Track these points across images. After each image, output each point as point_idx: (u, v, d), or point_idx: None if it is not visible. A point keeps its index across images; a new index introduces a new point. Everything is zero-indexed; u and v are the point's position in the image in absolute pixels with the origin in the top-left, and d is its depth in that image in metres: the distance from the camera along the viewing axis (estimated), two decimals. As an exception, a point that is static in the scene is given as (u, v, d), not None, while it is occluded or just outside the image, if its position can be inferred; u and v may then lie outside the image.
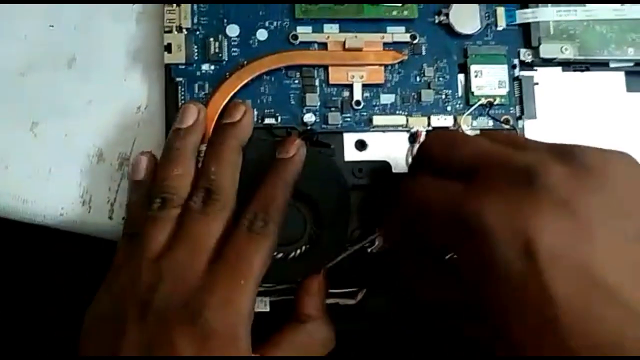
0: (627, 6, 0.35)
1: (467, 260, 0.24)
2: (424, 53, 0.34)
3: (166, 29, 0.32)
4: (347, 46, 0.33)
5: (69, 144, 0.33)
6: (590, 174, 0.23)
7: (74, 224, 0.34)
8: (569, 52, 0.34)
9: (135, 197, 0.31)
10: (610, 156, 0.24)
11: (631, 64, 0.35)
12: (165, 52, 0.32)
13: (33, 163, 0.33)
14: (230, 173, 0.29)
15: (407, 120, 0.33)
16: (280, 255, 0.30)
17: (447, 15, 0.34)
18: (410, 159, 0.33)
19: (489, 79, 0.34)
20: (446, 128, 0.33)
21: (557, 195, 0.22)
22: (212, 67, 0.33)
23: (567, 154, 0.23)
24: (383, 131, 0.33)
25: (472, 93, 0.34)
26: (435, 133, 0.32)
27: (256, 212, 0.28)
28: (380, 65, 0.33)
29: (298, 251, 0.30)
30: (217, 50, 0.33)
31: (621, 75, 0.36)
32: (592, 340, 0.21)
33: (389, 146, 0.33)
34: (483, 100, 0.34)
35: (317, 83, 0.33)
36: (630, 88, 0.36)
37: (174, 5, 0.33)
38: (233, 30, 0.33)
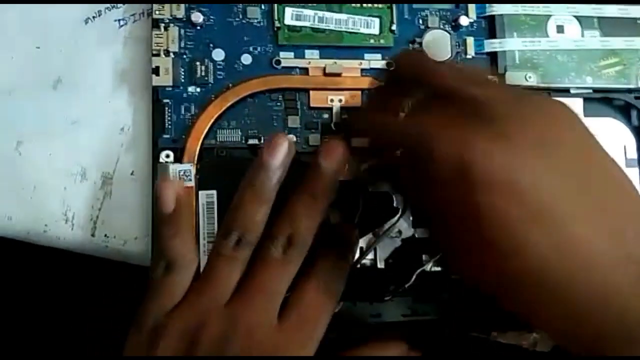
0: (586, 38, 0.37)
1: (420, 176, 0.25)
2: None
3: (154, 52, 0.33)
4: (327, 71, 0.34)
5: (54, 162, 0.34)
6: (530, 121, 0.24)
7: (57, 240, 0.34)
8: (532, 80, 0.36)
9: (165, 229, 0.28)
10: (551, 105, 0.25)
11: (589, 90, 0.38)
12: (153, 75, 0.33)
13: (18, 181, 0.34)
14: (314, 227, 0.28)
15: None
16: None
17: (420, 44, 0.36)
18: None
19: (460, 104, 0.36)
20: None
21: (496, 128, 0.23)
22: (198, 90, 0.34)
23: (516, 99, 0.25)
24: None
25: (444, 117, 0.36)
26: (407, 54, 0.32)
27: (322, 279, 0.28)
28: (358, 89, 0.35)
29: None
30: (203, 73, 0.34)
31: (580, 101, 0.38)
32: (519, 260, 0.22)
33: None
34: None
35: (298, 106, 0.35)
36: (587, 113, 0.38)
37: (162, 29, 0.34)
38: (219, 55, 0.34)
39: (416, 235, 0.34)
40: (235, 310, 0.26)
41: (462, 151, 0.23)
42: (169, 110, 0.33)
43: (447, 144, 0.23)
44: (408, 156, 0.27)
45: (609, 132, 0.38)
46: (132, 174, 0.34)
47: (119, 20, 0.35)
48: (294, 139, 0.34)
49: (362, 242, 0.34)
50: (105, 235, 0.34)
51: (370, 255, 0.34)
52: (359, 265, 0.34)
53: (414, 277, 0.33)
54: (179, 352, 0.26)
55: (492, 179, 0.22)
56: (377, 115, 0.29)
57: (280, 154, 0.28)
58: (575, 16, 0.38)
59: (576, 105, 0.38)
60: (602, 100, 0.38)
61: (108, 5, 0.35)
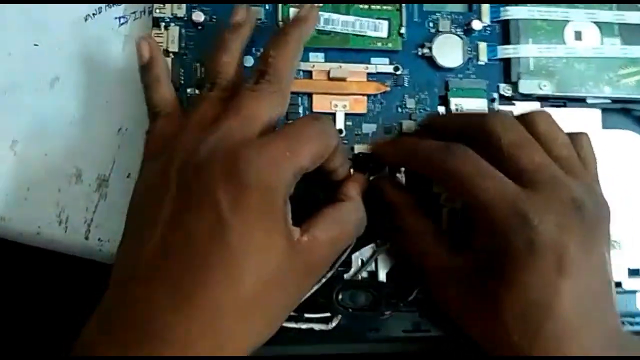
0: (605, 45, 0.36)
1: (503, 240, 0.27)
2: (406, 85, 0.34)
3: (153, 53, 0.32)
4: (331, 76, 0.33)
5: (49, 163, 0.33)
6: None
7: (51, 243, 0.33)
8: (547, 88, 0.35)
9: (146, 79, 0.31)
10: None
11: (607, 101, 0.36)
12: (152, 76, 0.32)
13: (12, 181, 0.33)
14: (287, 59, 0.29)
15: (388, 150, 0.34)
16: None
17: (430, 48, 0.34)
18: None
19: (469, 112, 0.34)
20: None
21: (587, 228, 0.27)
22: (197, 92, 0.33)
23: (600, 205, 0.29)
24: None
25: (453, 125, 0.34)
26: (504, 121, 0.30)
27: None
28: (363, 95, 0.34)
29: None
30: (203, 75, 0.33)
31: (598, 112, 0.36)
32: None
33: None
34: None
35: (300, 110, 0.33)
36: (605, 125, 0.36)
37: (163, 28, 0.33)
38: (219, 56, 0.33)
39: None
40: (207, 129, 0.27)
41: (565, 245, 0.26)
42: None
43: (550, 229, 0.26)
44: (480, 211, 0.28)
45: (628, 145, 0.36)
46: (128, 176, 0.33)
47: (119, 18, 0.34)
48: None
49: (363, 254, 0.33)
50: (99, 239, 0.33)
51: (371, 267, 0.33)
52: (359, 277, 0.32)
53: (416, 292, 0.32)
54: (161, 180, 0.27)
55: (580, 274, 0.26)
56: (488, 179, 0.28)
57: (238, 15, 0.31)
58: (594, 22, 0.36)
59: (593, 116, 0.36)
60: (621, 111, 0.36)
61: (109, 2, 0.34)
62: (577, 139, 0.31)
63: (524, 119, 0.30)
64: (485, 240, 0.28)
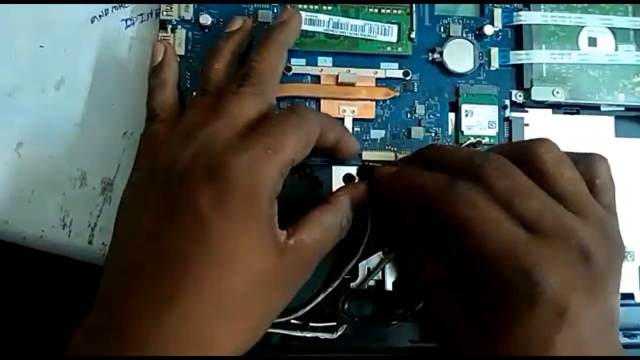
0: (620, 52, 0.35)
1: (501, 288, 0.26)
2: (416, 90, 0.34)
3: (159, 55, 0.32)
4: (339, 81, 0.33)
5: (53, 166, 0.33)
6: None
7: (54, 246, 0.33)
8: (560, 95, 0.34)
9: (152, 80, 0.31)
10: None
11: (622, 108, 0.35)
12: (158, 79, 0.32)
13: (16, 184, 0.33)
14: (269, 61, 0.30)
15: (396, 157, 0.33)
16: None
17: (441, 53, 0.34)
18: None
19: (479, 119, 0.34)
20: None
21: (595, 279, 0.26)
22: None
23: (613, 253, 0.27)
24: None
25: (462, 132, 0.34)
26: (495, 168, 0.27)
27: None
28: (372, 100, 0.33)
29: None
30: (209, 79, 0.32)
31: (611, 119, 0.36)
32: None
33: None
34: (472, 140, 0.33)
35: (308, 115, 0.33)
36: (618, 133, 0.36)
37: (169, 31, 0.32)
38: (226, 60, 0.33)
39: None
40: (191, 135, 0.27)
41: (567, 297, 0.25)
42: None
43: (553, 285, 0.25)
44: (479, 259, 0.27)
45: (641, 154, 0.36)
46: (133, 180, 0.33)
47: (125, 20, 0.34)
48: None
49: (370, 262, 0.32)
50: (103, 244, 0.33)
51: (378, 276, 0.32)
52: (366, 287, 0.32)
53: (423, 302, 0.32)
54: (145, 184, 0.27)
55: (580, 332, 0.25)
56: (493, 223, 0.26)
57: (233, 25, 0.31)
58: (609, 28, 0.35)
59: (606, 124, 0.36)
60: (635, 119, 0.36)
61: (115, 4, 0.34)
62: (592, 165, 0.28)
63: (522, 155, 0.28)
64: (487, 289, 0.27)
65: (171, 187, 0.26)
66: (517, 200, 0.26)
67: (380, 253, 0.32)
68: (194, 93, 0.32)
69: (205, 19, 0.32)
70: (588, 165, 0.28)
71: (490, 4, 0.35)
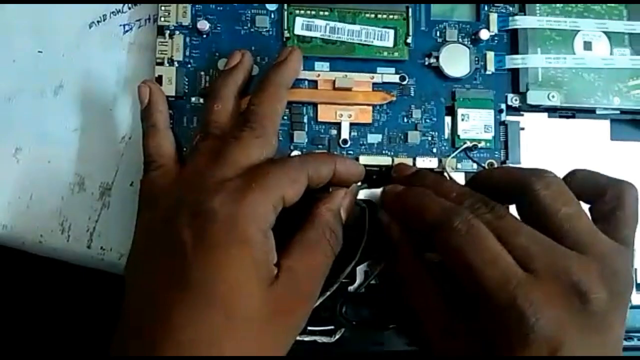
0: (615, 56, 0.35)
1: (497, 320, 0.26)
2: (412, 94, 0.34)
3: (157, 61, 0.32)
4: (336, 85, 0.33)
5: (52, 171, 0.33)
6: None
7: (53, 251, 0.33)
8: (555, 99, 0.34)
9: (143, 123, 0.31)
10: None
11: (617, 112, 0.35)
12: (156, 84, 0.32)
13: (15, 189, 0.33)
14: (268, 104, 0.30)
15: (393, 161, 0.33)
16: None
17: (437, 58, 0.34)
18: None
19: (475, 123, 0.34)
20: (431, 170, 0.33)
21: (595, 321, 0.25)
22: (201, 101, 0.32)
23: (615, 295, 0.26)
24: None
25: (458, 136, 0.34)
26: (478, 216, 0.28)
27: None
28: (369, 105, 0.33)
29: None
30: (207, 84, 0.32)
31: (606, 123, 0.36)
32: None
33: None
34: (468, 144, 0.34)
35: (305, 120, 0.33)
36: (614, 137, 0.36)
37: (167, 37, 0.33)
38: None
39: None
40: (187, 177, 0.28)
41: (560, 338, 0.24)
42: (171, 122, 0.32)
43: (546, 326, 0.24)
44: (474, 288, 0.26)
45: (637, 157, 0.36)
46: (131, 185, 0.33)
47: (124, 25, 0.34)
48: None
49: (367, 267, 0.32)
50: (102, 248, 0.33)
51: (375, 280, 0.32)
52: (362, 290, 0.32)
53: None
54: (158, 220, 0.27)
55: None
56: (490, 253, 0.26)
57: (232, 62, 0.32)
58: (604, 32, 0.35)
59: (602, 127, 0.36)
60: (630, 122, 0.36)
61: (113, 9, 0.34)
62: (619, 194, 0.28)
63: (519, 189, 0.28)
64: (483, 321, 0.26)
65: (155, 221, 0.27)
66: (511, 240, 0.26)
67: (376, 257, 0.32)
68: (197, 136, 0.30)
69: (203, 25, 0.33)
70: (614, 194, 0.28)
71: (486, 9, 0.35)
